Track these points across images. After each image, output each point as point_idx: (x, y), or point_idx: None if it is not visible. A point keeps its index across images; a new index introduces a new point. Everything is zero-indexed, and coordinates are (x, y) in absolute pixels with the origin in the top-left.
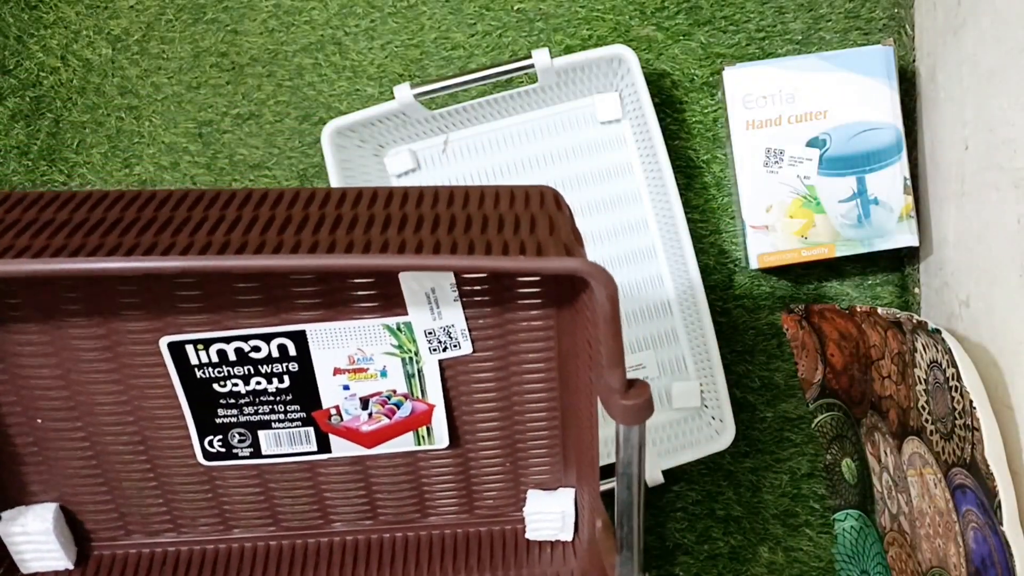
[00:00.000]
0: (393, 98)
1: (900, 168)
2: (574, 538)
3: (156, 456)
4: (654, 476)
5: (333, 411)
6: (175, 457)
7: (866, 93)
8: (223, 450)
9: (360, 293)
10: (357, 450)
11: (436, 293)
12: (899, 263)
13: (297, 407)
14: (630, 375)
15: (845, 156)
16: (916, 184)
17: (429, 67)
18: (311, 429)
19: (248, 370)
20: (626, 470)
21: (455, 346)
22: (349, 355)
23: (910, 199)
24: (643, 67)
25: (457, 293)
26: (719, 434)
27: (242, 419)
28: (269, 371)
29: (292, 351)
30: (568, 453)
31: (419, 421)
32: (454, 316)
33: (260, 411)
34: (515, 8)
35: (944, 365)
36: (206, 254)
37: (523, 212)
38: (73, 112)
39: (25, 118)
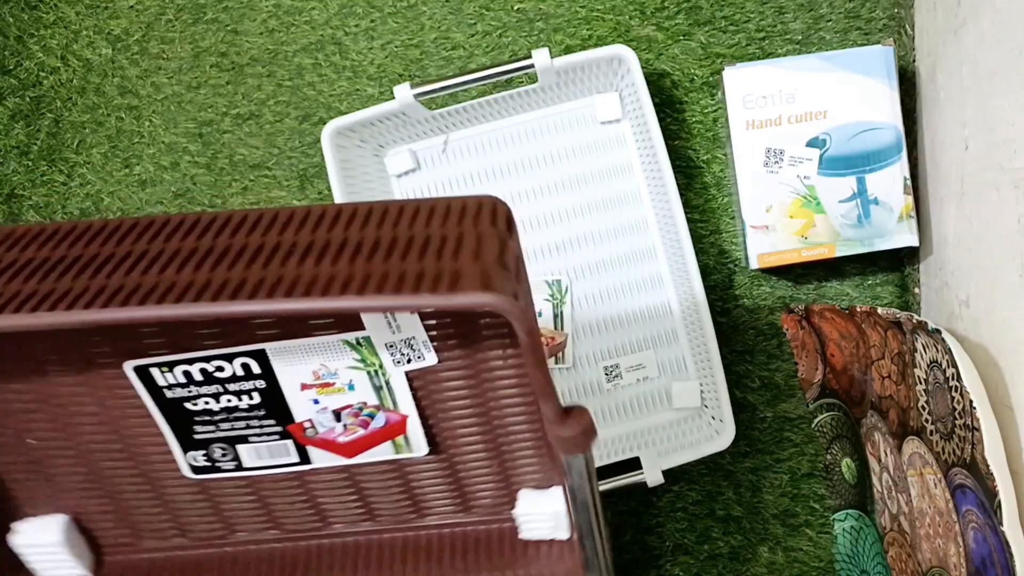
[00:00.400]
0: (393, 98)
1: (900, 168)
2: (571, 536)
3: (148, 470)
4: (654, 476)
5: (307, 424)
6: (166, 470)
7: (866, 93)
8: (208, 464)
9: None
10: (338, 460)
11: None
12: (899, 263)
13: (272, 421)
14: (630, 375)
15: (845, 156)
16: (916, 184)
17: (429, 67)
18: (289, 442)
19: (217, 388)
20: (579, 495)
21: (419, 357)
22: (313, 371)
23: (910, 199)
24: (643, 67)
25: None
26: (719, 434)
27: (220, 434)
28: (237, 389)
29: (256, 369)
30: (555, 451)
31: (395, 431)
32: (413, 329)
33: (236, 426)
34: (515, 8)
35: (944, 365)
36: (154, 302)
37: (453, 231)
38: (73, 112)
39: (25, 118)
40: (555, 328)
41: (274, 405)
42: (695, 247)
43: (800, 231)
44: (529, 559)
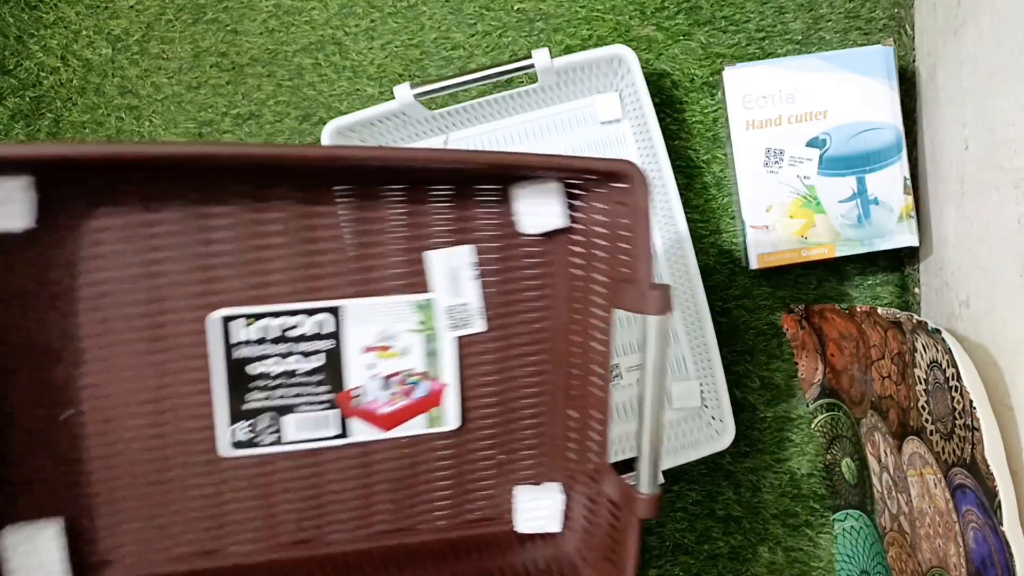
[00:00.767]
0: (393, 98)
1: (900, 168)
2: (561, 529)
3: (171, 455)
4: None
5: (356, 392)
6: (192, 453)
7: (866, 93)
8: (250, 436)
9: (391, 271)
10: (373, 434)
11: (457, 272)
12: (899, 263)
13: (326, 387)
14: (630, 375)
15: (845, 156)
16: (916, 184)
17: (429, 67)
18: (335, 412)
19: (288, 348)
20: (647, 364)
21: (470, 324)
22: (379, 331)
23: (910, 199)
24: (643, 67)
25: (475, 272)
26: (719, 434)
27: (270, 404)
28: (306, 349)
29: (330, 327)
30: (554, 447)
31: (432, 401)
32: (471, 294)
33: (288, 394)
34: (515, 8)
35: (944, 365)
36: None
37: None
38: (73, 112)
39: (25, 118)
40: None
41: (332, 369)
42: (695, 247)
43: (800, 231)
44: (520, 549)
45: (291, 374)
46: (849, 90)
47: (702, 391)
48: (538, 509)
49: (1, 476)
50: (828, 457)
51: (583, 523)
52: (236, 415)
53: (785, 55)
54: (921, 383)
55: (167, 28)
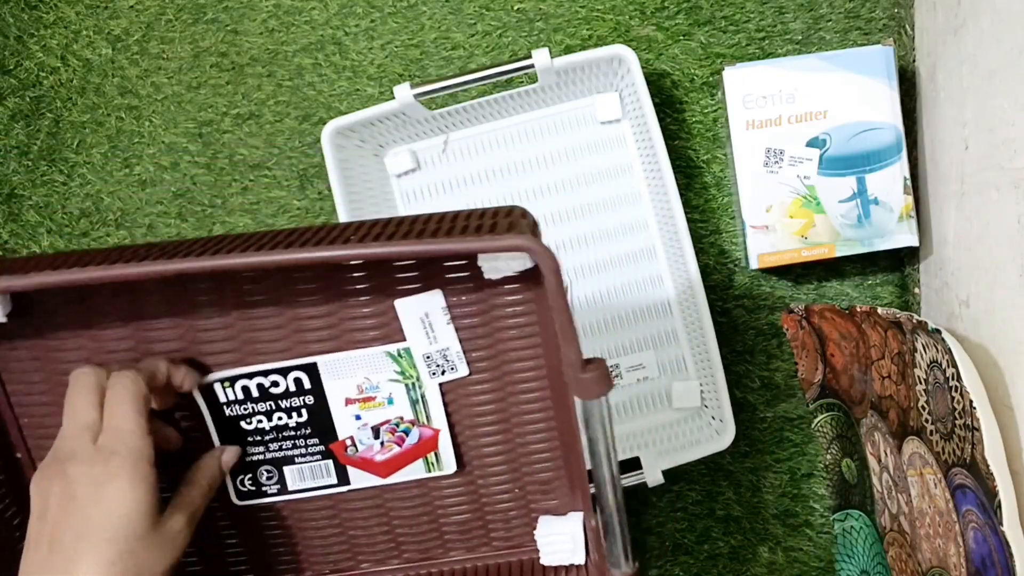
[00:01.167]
0: (393, 98)
1: (900, 168)
2: (586, 561)
3: None
4: (654, 476)
5: (348, 442)
6: (214, 501)
7: (866, 93)
8: (253, 488)
9: (363, 323)
10: (374, 480)
11: (429, 318)
12: (899, 263)
13: (316, 440)
14: (630, 375)
15: (845, 156)
16: (916, 184)
17: (429, 67)
18: (331, 462)
19: (270, 405)
20: (594, 448)
21: (452, 369)
22: (357, 384)
23: (910, 199)
24: (643, 67)
25: (449, 316)
26: (719, 434)
27: (268, 456)
28: (288, 405)
29: (307, 384)
30: (571, 476)
31: (427, 447)
32: (448, 339)
33: (283, 446)
34: (515, 8)
35: (944, 365)
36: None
37: (486, 218)
38: (73, 112)
39: (25, 118)
40: None
41: (319, 422)
42: (695, 247)
43: (800, 231)
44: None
45: (282, 428)
46: (849, 90)
47: (702, 391)
48: (561, 541)
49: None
50: (828, 457)
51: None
52: (237, 469)
53: (785, 55)
54: (921, 383)
55: (167, 28)
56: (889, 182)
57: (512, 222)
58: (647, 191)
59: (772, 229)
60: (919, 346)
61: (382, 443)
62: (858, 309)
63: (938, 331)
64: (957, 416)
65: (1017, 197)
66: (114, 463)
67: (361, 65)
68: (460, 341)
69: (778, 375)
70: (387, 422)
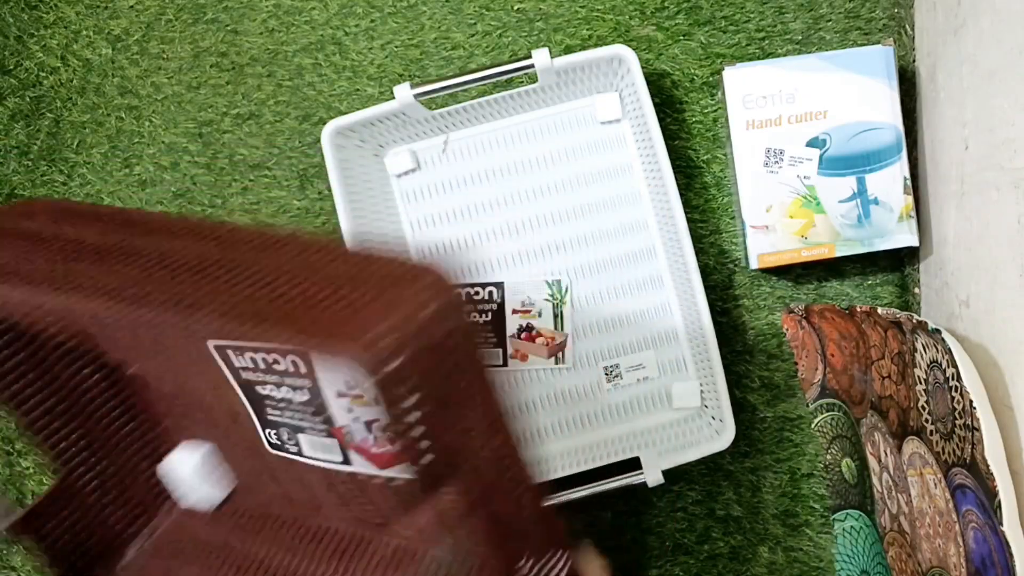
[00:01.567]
0: (393, 98)
1: (900, 168)
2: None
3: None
4: (654, 476)
5: (346, 431)
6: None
7: (866, 93)
8: (279, 443)
9: None
10: (372, 469)
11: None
12: (899, 263)
13: (319, 419)
14: (630, 375)
15: (845, 156)
16: (916, 184)
17: (429, 67)
18: (335, 441)
19: (277, 379)
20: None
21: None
22: (345, 380)
23: (910, 199)
24: (643, 67)
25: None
26: (719, 434)
27: (284, 420)
28: (292, 384)
29: (303, 369)
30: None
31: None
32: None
33: (295, 417)
34: (515, 8)
35: (944, 365)
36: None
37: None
38: (73, 112)
39: (25, 118)
40: (555, 328)
41: (320, 406)
42: (695, 247)
43: (800, 231)
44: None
45: (289, 401)
46: (849, 90)
47: (702, 391)
48: None
49: None
50: (828, 457)
51: None
52: (264, 423)
53: (785, 55)
54: (921, 383)
55: (167, 28)
56: (889, 182)
57: (392, 301)
58: (647, 191)
59: (772, 229)
60: (919, 346)
61: (375, 438)
62: (858, 309)
63: (938, 331)
64: (957, 416)
65: (1017, 197)
66: None
67: (361, 65)
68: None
69: (778, 375)
70: (378, 420)
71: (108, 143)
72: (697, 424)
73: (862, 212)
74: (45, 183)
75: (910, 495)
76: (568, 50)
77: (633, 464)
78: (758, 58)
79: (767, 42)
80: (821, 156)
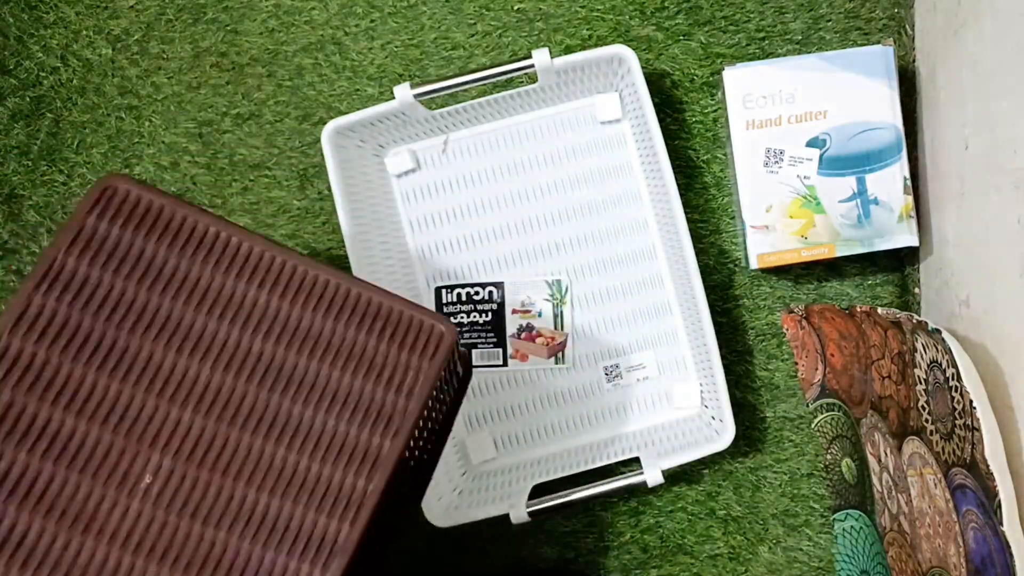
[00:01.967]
0: (393, 98)
1: (900, 168)
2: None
3: None
4: (654, 476)
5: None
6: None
7: (866, 93)
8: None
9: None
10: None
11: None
12: (899, 263)
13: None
14: (630, 375)
15: (845, 156)
16: (916, 184)
17: (429, 67)
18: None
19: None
20: None
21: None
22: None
23: (910, 199)
24: (643, 67)
25: None
26: (719, 434)
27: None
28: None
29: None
30: None
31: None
32: None
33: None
34: (515, 8)
35: (944, 365)
36: None
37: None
38: (73, 112)
39: (25, 118)
40: (555, 328)
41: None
42: (695, 247)
43: (800, 231)
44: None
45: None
46: (849, 90)
47: (702, 391)
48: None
49: None
50: (828, 457)
51: None
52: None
53: (785, 55)
54: (921, 383)
55: (167, 28)
56: (889, 182)
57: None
58: (647, 191)
59: (772, 229)
60: (919, 346)
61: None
62: (858, 309)
63: (938, 331)
64: (957, 416)
65: (1017, 197)
66: None
67: (361, 65)
68: None
69: (778, 375)
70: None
71: (108, 143)
72: (697, 424)
73: (862, 212)
74: (45, 183)
75: (910, 495)
76: (568, 50)
77: (633, 464)
78: (758, 58)
79: (767, 42)
80: (821, 156)
